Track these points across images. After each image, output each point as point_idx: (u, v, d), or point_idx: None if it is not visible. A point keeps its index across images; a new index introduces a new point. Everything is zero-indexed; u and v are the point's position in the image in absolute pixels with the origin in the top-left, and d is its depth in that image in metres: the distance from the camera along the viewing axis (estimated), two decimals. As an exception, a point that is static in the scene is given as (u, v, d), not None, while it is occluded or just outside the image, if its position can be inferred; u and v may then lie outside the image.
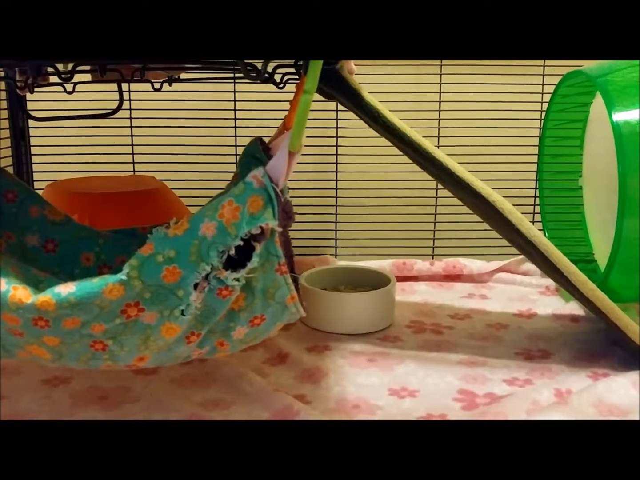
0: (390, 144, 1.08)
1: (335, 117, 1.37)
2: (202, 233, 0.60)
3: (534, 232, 0.86)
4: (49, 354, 0.64)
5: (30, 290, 0.59)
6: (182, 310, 0.62)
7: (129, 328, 0.62)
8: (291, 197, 0.66)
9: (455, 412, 0.81)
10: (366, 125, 1.09)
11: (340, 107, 1.34)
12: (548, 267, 0.89)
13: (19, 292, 0.58)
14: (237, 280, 0.62)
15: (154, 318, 0.62)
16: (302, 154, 0.63)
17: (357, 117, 1.07)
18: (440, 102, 1.39)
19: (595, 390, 0.81)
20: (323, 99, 1.28)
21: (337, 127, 1.38)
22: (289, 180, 0.66)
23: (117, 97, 1.23)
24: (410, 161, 1.16)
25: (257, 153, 0.74)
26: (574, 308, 1.16)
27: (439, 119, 1.40)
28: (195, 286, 0.61)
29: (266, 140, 0.79)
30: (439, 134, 1.40)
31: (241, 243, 0.61)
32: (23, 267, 0.63)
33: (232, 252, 0.61)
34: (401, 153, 1.09)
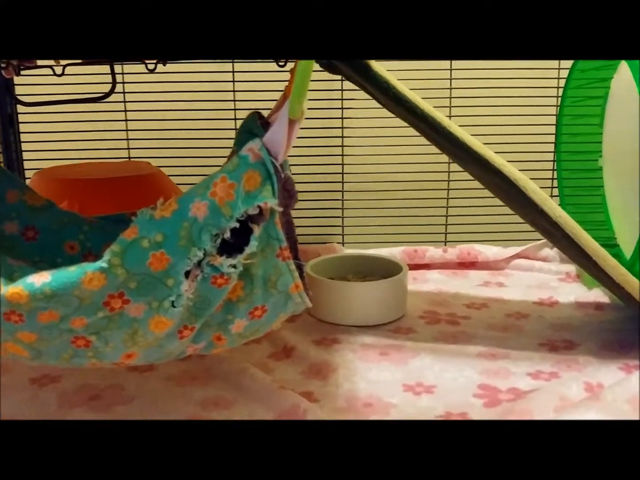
0: (399, 125, 1.01)
1: (340, 97, 1.30)
2: (193, 214, 0.54)
3: (559, 212, 0.79)
4: (25, 352, 0.58)
5: (1, 281, 0.53)
6: (173, 302, 0.56)
7: (114, 322, 0.56)
8: (294, 182, 0.60)
9: (477, 410, 0.74)
10: (374, 106, 1.03)
11: (346, 86, 1.28)
12: (574, 251, 0.82)
13: (-13, 284, 0.52)
14: (234, 267, 0.56)
15: (141, 310, 0.56)
16: (305, 137, 0.57)
17: (364, 97, 1.00)
18: (451, 79, 1.33)
19: (630, 385, 0.75)
20: (327, 77, 1.22)
21: (342, 108, 1.32)
22: (291, 164, 0.60)
23: (110, 80, 1.17)
24: (421, 143, 1.09)
25: (255, 128, 0.67)
26: (598, 295, 1.09)
27: (450, 98, 1.33)
28: (187, 274, 0.55)
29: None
30: (450, 113, 1.33)
31: (237, 225, 0.54)
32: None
33: (227, 235, 0.54)
34: (411, 134, 1.02)
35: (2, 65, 0.96)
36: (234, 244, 0.55)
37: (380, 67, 0.77)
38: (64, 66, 1.10)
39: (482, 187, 0.99)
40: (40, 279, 0.53)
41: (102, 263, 0.53)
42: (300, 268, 0.63)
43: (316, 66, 0.56)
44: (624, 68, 1.14)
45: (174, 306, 0.56)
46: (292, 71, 0.63)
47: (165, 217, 0.54)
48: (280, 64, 1.12)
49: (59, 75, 1.09)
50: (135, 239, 0.53)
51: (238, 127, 1.27)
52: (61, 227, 0.72)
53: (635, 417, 0.70)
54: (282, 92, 0.70)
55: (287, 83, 0.66)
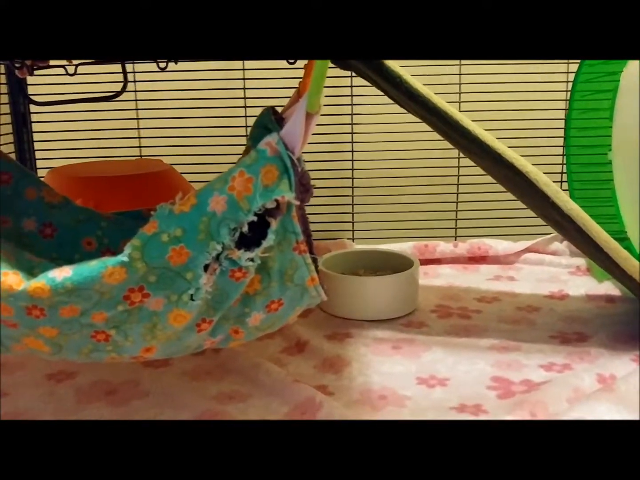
0: (409, 120, 1.02)
1: (350, 94, 1.31)
2: (212, 209, 0.54)
3: (571, 205, 0.79)
4: (47, 347, 0.59)
5: (22, 276, 0.54)
6: (192, 295, 0.56)
7: (133, 316, 0.57)
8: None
9: (491, 402, 0.75)
10: (384, 102, 1.03)
11: (356, 82, 1.28)
12: (586, 243, 0.82)
13: (10, 278, 0.53)
14: (252, 260, 0.56)
15: (160, 304, 0.56)
16: (315, 133, 0.57)
17: (374, 92, 1.01)
18: (460, 75, 1.33)
19: (643, 376, 0.75)
20: (337, 73, 1.22)
21: (352, 104, 1.32)
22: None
23: (122, 78, 1.18)
24: (430, 138, 1.10)
25: (270, 124, 0.68)
26: (609, 288, 1.09)
27: (460, 93, 1.33)
28: (206, 268, 0.56)
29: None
30: (459, 108, 1.33)
31: (255, 219, 0.55)
32: (15, 252, 0.57)
33: (245, 229, 0.55)
34: (421, 130, 1.03)
35: (16, 65, 0.97)
36: (251, 238, 0.55)
37: (392, 62, 0.77)
38: (76, 66, 1.11)
39: (492, 181, 1.00)
40: (62, 274, 0.53)
41: (122, 257, 0.53)
42: (315, 262, 0.64)
43: (329, 63, 0.57)
44: (633, 62, 1.14)
45: (192, 300, 0.56)
46: (307, 66, 0.64)
47: (184, 212, 0.54)
48: (290, 61, 1.12)
49: (71, 75, 1.10)
50: (155, 234, 0.54)
51: (248, 124, 1.28)
52: (78, 224, 0.73)
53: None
54: (293, 89, 0.70)
55: (298, 80, 0.67)
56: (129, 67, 1.22)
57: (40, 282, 0.53)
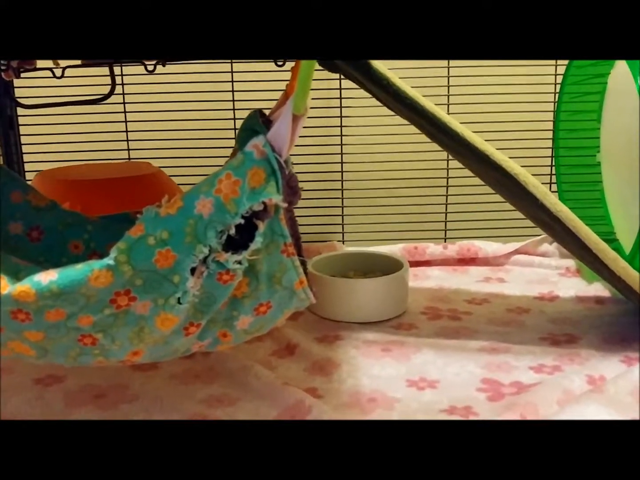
0: (398, 122, 1.02)
1: (339, 96, 1.31)
2: (198, 211, 0.54)
3: (560, 206, 0.79)
4: (32, 351, 0.58)
5: (7, 280, 0.53)
6: (179, 299, 0.56)
7: (120, 319, 0.56)
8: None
9: (481, 404, 0.74)
10: (372, 104, 1.03)
11: (345, 84, 1.28)
12: (575, 245, 0.83)
13: (-6, 283, 0.52)
14: (239, 263, 0.56)
15: (147, 308, 0.56)
16: (305, 135, 0.57)
17: (363, 95, 1.01)
18: (449, 77, 1.33)
19: (632, 377, 0.75)
20: (326, 76, 1.22)
21: (341, 107, 1.32)
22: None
23: (109, 81, 1.17)
24: (419, 140, 1.09)
25: (257, 126, 0.68)
26: (598, 289, 1.10)
27: (448, 95, 1.33)
28: (192, 271, 0.55)
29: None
30: (448, 110, 1.33)
31: (242, 221, 0.54)
32: (1, 255, 0.57)
33: (233, 231, 0.55)
34: (410, 132, 1.03)
35: (2, 67, 0.97)
36: (239, 241, 0.55)
37: (380, 64, 0.77)
38: (64, 68, 1.10)
39: (481, 183, 1.00)
40: (47, 277, 0.53)
41: (108, 260, 0.53)
42: (303, 264, 0.63)
43: (315, 65, 0.56)
44: (620, 63, 1.15)
45: (180, 303, 0.56)
46: (293, 69, 0.64)
47: (170, 215, 0.54)
48: (279, 63, 1.12)
49: (59, 78, 1.09)
50: (141, 237, 0.54)
51: (237, 126, 1.28)
52: (65, 227, 0.73)
53: (637, 409, 0.70)
54: (281, 91, 0.70)
55: (286, 82, 0.67)
56: (116, 69, 1.22)
57: (25, 285, 0.53)
